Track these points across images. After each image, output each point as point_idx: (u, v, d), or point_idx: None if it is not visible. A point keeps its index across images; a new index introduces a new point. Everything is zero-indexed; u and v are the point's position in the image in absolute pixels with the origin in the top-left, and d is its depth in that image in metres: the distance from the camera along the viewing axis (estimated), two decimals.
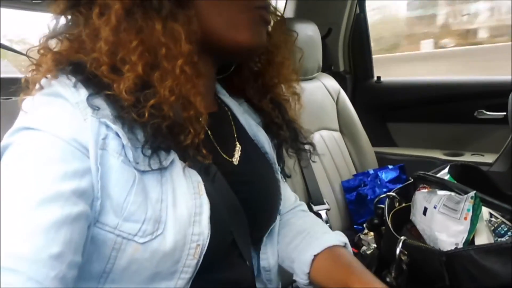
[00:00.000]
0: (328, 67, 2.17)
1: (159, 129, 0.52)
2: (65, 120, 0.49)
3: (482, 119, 1.81)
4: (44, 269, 0.42)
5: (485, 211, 0.84)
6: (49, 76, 0.53)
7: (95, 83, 0.52)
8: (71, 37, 0.56)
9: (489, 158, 1.75)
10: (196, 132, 0.55)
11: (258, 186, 0.70)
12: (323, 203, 1.52)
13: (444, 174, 1.05)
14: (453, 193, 0.86)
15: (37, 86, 0.54)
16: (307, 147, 0.84)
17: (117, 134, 0.51)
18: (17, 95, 0.83)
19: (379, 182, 1.70)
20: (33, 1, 1.92)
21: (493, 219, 0.83)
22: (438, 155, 1.90)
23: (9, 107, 0.76)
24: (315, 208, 1.48)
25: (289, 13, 2.20)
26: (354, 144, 1.87)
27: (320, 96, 1.82)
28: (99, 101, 0.52)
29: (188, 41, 0.55)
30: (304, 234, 0.77)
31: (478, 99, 1.86)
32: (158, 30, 0.53)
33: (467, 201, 0.80)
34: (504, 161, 1.67)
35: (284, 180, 0.86)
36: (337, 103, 1.88)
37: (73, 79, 0.52)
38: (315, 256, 0.71)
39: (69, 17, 0.58)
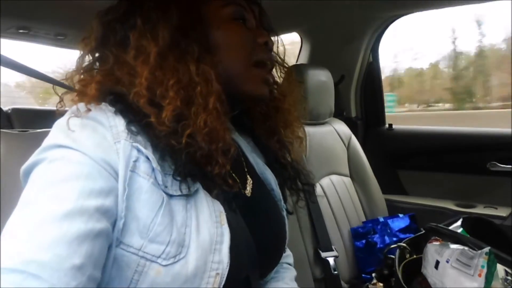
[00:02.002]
0: (340, 113, 2.19)
1: (192, 158, 0.57)
2: (96, 141, 0.53)
3: (494, 171, 1.79)
4: (65, 278, 0.43)
5: (500, 268, 0.82)
6: (92, 103, 0.57)
7: (133, 112, 0.57)
8: (103, 72, 0.62)
9: (502, 212, 1.72)
10: (223, 163, 0.59)
11: (267, 221, 0.73)
12: (331, 250, 1.49)
13: (457, 226, 1.03)
14: (466, 248, 0.84)
15: (75, 110, 0.57)
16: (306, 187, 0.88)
17: (148, 158, 0.55)
18: (34, 127, 0.85)
19: (389, 231, 1.67)
20: (57, 37, 2.00)
21: (509, 277, 0.81)
22: (450, 205, 1.87)
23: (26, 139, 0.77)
24: (323, 254, 1.45)
25: (303, 59, 2.25)
26: (364, 190, 1.85)
27: (331, 140, 1.83)
28: (135, 129, 0.57)
29: (217, 82, 0.61)
30: None
31: (491, 151, 1.85)
32: (192, 71, 0.60)
33: (481, 257, 0.78)
34: None
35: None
36: (348, 148, 1.88)
37: (113, 108, 0.58)
38: None
39: (97, 54, 0.65)
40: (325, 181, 1.71)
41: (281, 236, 0.77)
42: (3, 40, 1.93)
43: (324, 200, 1.64)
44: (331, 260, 1.45)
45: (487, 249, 0.78)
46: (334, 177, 1.76)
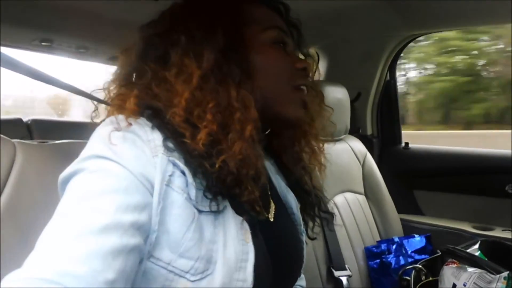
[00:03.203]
0: (355, 130, 2.18)
1: (223, 181, 0.57)
2: (136, 155, 0.54)
3: None
4: None
5: None
6: (131, 116, 0.58)
7: (170, 130, 0.58)
8: (140, 86, 0.63)
9: None
10: (252, 190, 0.60)
11: (286, 245, 0.73)
12: (344, 269, 1.47)
13: (474, 249, 1.01)
14: (484, 271, 0.82)
15: (115, 121, 0.58)
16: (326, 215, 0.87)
17: (183, 173, 0.56)
18: (53, 138, 0.86)
19: (404, 251, 1.64)
20: (79, 50, 2.05)
21: None
22: (467, 227, 1.83)
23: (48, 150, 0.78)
24: (336, 273, 1.43)
25: (319, 76, 2.25)
26: (379, 209, 1.83)
27: (346, 158, 1.82)
28: (171, 145, 0.58)
29: (255, 109, 0.62)
30: None
31: (509, 173, 1.82)
32: (232, 96, 0.60)
33: (499, 282, 0.76)
34: None
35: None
36: (363, 166, 1.87)
37: (151, 123, 0.58)
38: None
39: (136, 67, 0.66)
40: (339, 199, 1.69)
41: (298, 261, 0.77)
42: (26, 52, 1.99)
43: (337, 217, 1.62)
44: (344, 280, 1.43)
45: (506, 273, 0.76)
46: (348, 195, 1.75)
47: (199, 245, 0.54)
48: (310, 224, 0.85)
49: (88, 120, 0.69)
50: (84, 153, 0.55)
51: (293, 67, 0.71)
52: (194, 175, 0.57)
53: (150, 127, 0.58)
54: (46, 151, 0.75)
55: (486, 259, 0.94)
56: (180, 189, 0.55)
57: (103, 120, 0.61)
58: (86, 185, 0.51)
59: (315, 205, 0.84)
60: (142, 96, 0.61)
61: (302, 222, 0.81)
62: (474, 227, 1.83)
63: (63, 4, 1.54)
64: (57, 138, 0.83)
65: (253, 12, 0.71)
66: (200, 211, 0.56)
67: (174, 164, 0.56)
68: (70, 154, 0.75)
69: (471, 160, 2.00)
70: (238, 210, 0.61)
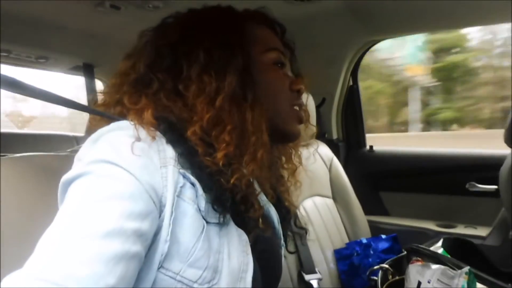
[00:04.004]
0: (321, 135, 2.21)
1: (233, 198, 0.60)
2: (144, 163, 0.54)
3: (474, 191, 1.83)
4: None
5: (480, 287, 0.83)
6: (150, 127, 0.59)
7: (183, 145, 0.59)
8: (147, 96, 0.63)
9: (482, 231, 1.75)
10: (258, 207, 0.63)
11: (270, 258, 0.74)
12: (314, 272, 1.48)
13: (437, 247, 1.04)
14: (446, 268, 0.85)
15: (125, 127, 0.58)
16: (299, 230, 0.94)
17: (193, 185, 0.57)
18: (13, 151, 0.83)
19: (372, 252, 1.67)
20: (39, 60, 1.99)
21: None
22: (431, 226, 1.90)
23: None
24: (307, 277, 1.44)
25: None
26: (347, 211, 1.86)
27: (313, 162, 1.83)
28: (183, 159, 0.59)
29: (266, 132, 0.65)
30: None
31: (470, 172, 1.89)
32: (248, 119, 0.62)
33: (461, 277, 0.79)
34: (497, 235, 1.66)
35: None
36: (330, 170, 1.89)
37: (165, 136, 0.59)
38: None
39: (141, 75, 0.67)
40: (308, 203, 1.71)
41: (278, 272, 0.79)
42: None
43: (307, 221, 1.63)
44: (314, 283, 1.44)
45: (466, 268, 0.79)
46: (317, 199, 1.77)
47: (207, 255, 0.55)
48: (288, 238, 0.87)
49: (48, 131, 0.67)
50: (90, 156, 0.54)
51: (290, 88, 0.74)
52: (204, 189, 0.58)
53: (165, 140, 0.59)
54: (6, 165, 0.72)
55: (449, 255, 0.97)
56: (190, 200, 0.56)
57: (105, 124, 0.61)
58: (92, 188, 0.51)
59: (290, 221, 0.87)
60: (156, 108, 0.62)
61: (281, 236, 0.82)
62: (438, 225, 1.89)
63: (21, 14, 1.50)
64: (17, 151, 0.80)
65: (256, 32, 0.73)
66: (207, 222, 0.57)
67: (184, 176, 0.57)
68: (33, 168, 0.73)
69: (433, 160, 2.07)
70: (240, 225, 0.64)
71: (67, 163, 0.57)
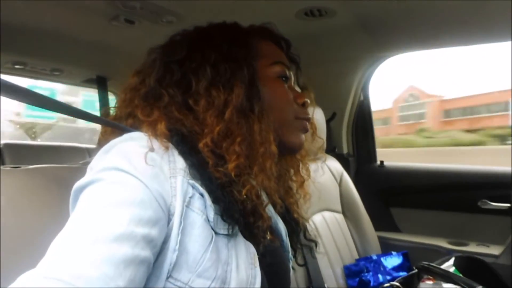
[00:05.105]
0: (331, 149, 2.20)
1: (244, 209, 0.61)
2: (154, 172, 0.55)
3: (486, 209, 1.80)
4: None
5: None
6: (163, 139, 0.60)
7: (195, 156, 0.61)
8: (158, 109, 0.65)
9: (494, 250, 1.71)
10: (267, 219, 0.64)
11: (278, 272, 0.74)
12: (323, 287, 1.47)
13: (449, 265, 1.03)
14: (459, 287, 0.84)
15: (137, 138, 0.60)
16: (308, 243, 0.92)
17: (202, 195, 0.58)
18: (27, 163, 0.84)
19: (382, 269, 1.64)
20: (53, 73, 2.03)
21: None
22: (443, 243, 1.86)
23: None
24: None
25: None
26: (356, 227, 1.84)
27: (323, 177, 1.83)
28: (193, 171, 0.60)
29: (274, 143, 0.66)
30: None
31: (482, 189, 1.87)
32: (256, 131, 0.64)
33: None
34: (510, 254, 1.63)
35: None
36: (340, 184, 1.88)
37: (177, 148, 0.61)
38: None
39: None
40: (318, 218, 1.70)
41: (286, 286, 0.78)
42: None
43: (317, 239, 1.62)
44: None
45: None
46: (326, 214, 1.76)
47: (216, 266, 0.55)
48: (297, 251, 0.88)
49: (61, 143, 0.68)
50: (102, 164, 0.56)
51: (295, 101, 0.76)
52: (214, 200, 0.59)
53: (177, 151, 0.60)
54: (20, 177, 0.73)
55: (461, 274, 0.96)
56: (199, 211, 0.57)
57: (118, 135, 0.62)
58: (103, 194, 0.52)
59: (299, 234, 0.87)
60: (169, 121, 0.63)
61: (290, 249, 0.82)
62: (450, 243, 1.86)
63: (37, 28, 1.53)
64: (31, 162, 0.82)
65: (261, 47, 0.75)
66: (216, 233, 0.58)
67: (193, 187, 0.58)
68: (45, 179, 0.73)
69: (444, 177, 2.05)
70: (248, 236, 0.64)
71: (79, 175, 0.58)
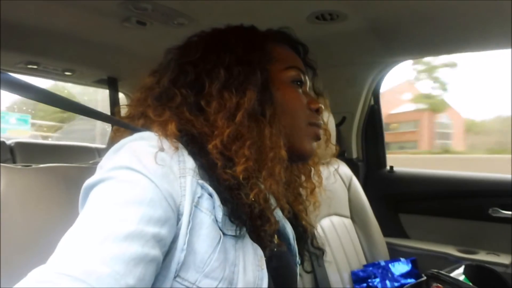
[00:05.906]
0: (341, 153, 2.19)
1: (251, 211, 0.61)
2: (164, 172, 0.55)
3: (496, 217, 1.78)
4: None
5: None
6: (173, 139, 0.61)
7: (204, 157, 0.61)
8: (170, 109, 0.65)
9: (505, 259, 1.69)
10: (274, 222, 0.64)
11: (285, 275, 0.74)
12: None
13: (459, 274, 1.01)
14: None
15: (148, 137, 0.60)
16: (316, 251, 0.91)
17: (211, 195, 0.58)
18: (38, 162, 0.85)
19: (390, 275, 1.63)
20: (65, 73, 2.05)
21: None
22: (452, 251, 1.84)
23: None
24: None
25: None
26: (365, 232, 1.83)
27: (332, 181, 1.82)
28: (202, 171, 0.60)
29: (284, 148, 0.66)
30: None
31: (493, 197, 1.84)
32: (266, 135, 0.64)
33: None
34: None
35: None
36: (349, 189, 1.87)
37: (187, 149, 0.61)
38: None
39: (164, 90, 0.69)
40: (326, 222, 1.69)
41: None
42: (14, 75, 1.99)
43: (324, 242, 1.61)
44: None
45: None
46: (334, 218, 1.75)
47: (223, 266, 0.56)
48: (305, 257, 0.87)
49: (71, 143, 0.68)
50: (112, 163, 0.56)
51: (308, 107, 0.75)
52: (222, 201, 0.59)
53: (186, 152, 0.61)
54: (30, 175, 0.73)
55: (471, 283, 0.94)
56: (208, 211, 0.57)
57: (129, 135, 0.63)
58: (114, 193, 0.52)
59: (307, 240, 0.87)
60: (179, 121, 0.64)
61: (297, 254, 0.82)
62: (459, 251, 1.84)
63: (49, 29, 1.54)
64: (41, 161, 0.82)
65: (277, 51, 0.75)
66: (224, 234, 0.58)
67: (202, 187, 0.58)
68: (55, 178, 0.74)
69: (455, 184, 2.02)
70: (255, 239, 0.64)
71: (88, 174, 0.58)
